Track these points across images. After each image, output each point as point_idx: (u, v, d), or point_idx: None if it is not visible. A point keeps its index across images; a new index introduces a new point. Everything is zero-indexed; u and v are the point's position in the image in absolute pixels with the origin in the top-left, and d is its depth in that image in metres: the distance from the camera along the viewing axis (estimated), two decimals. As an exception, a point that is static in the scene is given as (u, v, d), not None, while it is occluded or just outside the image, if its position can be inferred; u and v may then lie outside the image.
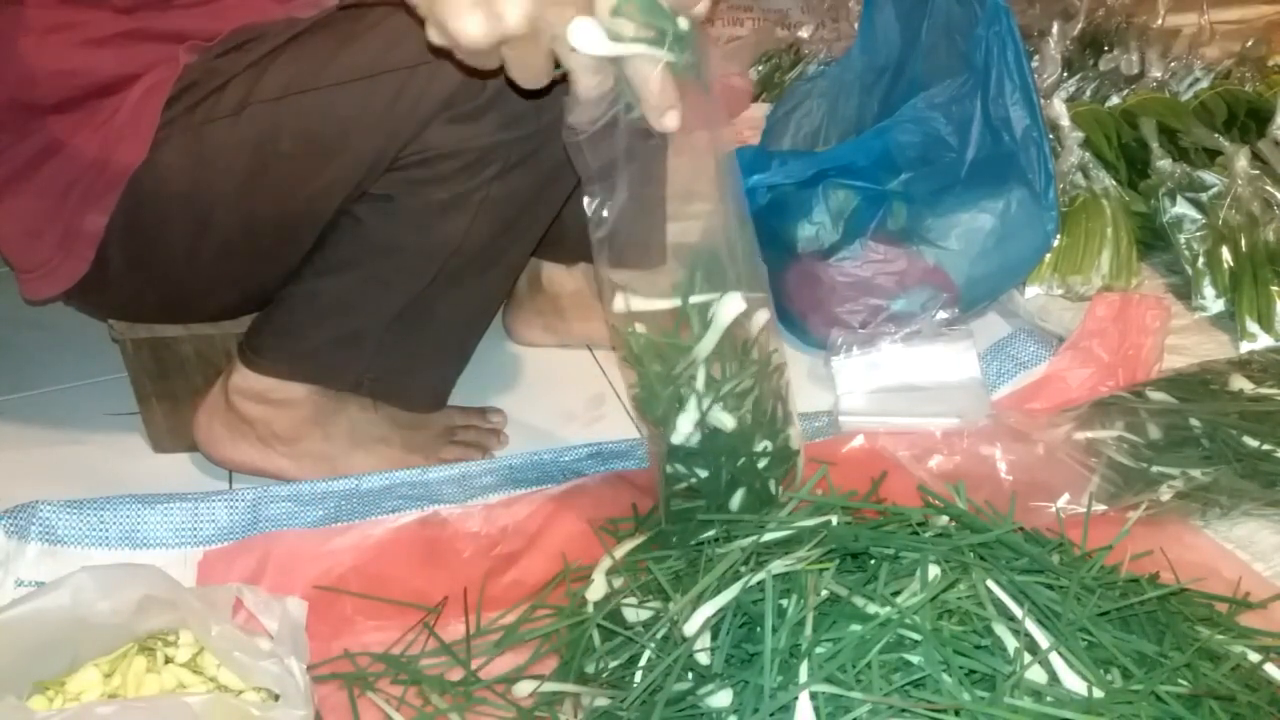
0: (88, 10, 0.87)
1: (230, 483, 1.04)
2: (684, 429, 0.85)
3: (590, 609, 0.83)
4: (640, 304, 0.84)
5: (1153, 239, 1.37)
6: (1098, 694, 0.64)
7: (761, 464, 0.88)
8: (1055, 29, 1.70)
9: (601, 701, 0.73)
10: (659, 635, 0.73)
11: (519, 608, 0.86)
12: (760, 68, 1.95)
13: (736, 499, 0.88)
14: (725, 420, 0.85)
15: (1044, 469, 0.98)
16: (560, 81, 0.72)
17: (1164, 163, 1.39)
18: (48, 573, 0.88)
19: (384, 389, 1.01)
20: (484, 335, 1.05)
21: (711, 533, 0.83)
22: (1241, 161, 1.32)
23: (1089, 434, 1.02)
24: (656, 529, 0.90)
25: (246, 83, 0.88)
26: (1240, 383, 1.09)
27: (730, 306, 0.83)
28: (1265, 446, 1.00)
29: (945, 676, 0.64)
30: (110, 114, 0.89)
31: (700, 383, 0.84)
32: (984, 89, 1.12)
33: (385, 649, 0.83)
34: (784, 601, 0.69)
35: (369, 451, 1.03)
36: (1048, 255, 1.24)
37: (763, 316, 0.87)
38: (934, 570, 0.70)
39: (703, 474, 0.87)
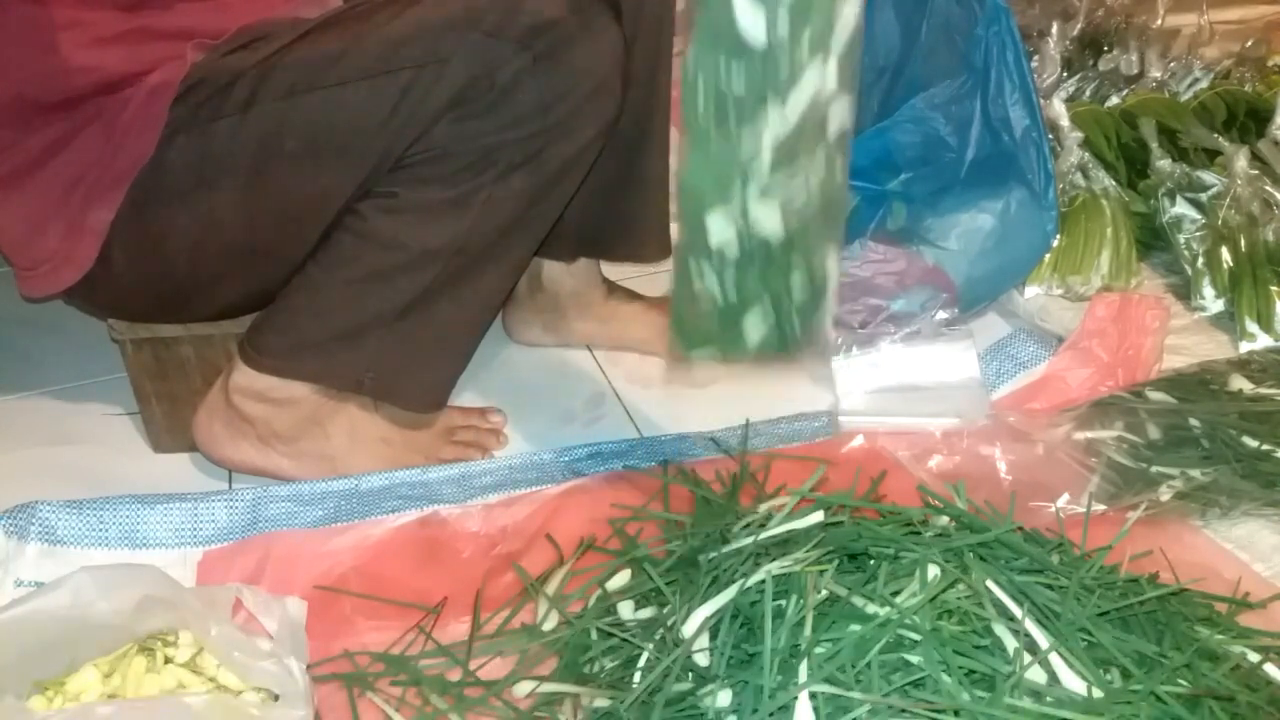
0: (94, 9, 0.88)
1: (230, 483, 1.04)
2: (725, 222, 0.76)
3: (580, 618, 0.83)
4: None
5: (1152, 239, 1.37)
6: (1097, 694, 0.64)
7: (795, 287, 0.81)
8: (1055, 29, 1.70)
9: (601, 702, 0.73)
10: (658, 636, 0.73)
11: (511, 604, 0.86)
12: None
13: (752, 326, 0.81)
14: (771, 220, 0.76)
15: (1044, 469, 0.99)
16: None
17: (1164, 163, 1.39)
18: (48, 573, 0.87)
19: (384, 388, 1.00)
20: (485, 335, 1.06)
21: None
22: (1241, 161, 1.32)
23: (1089, 434, 1.02)
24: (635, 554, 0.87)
25: (253, 81, 0.88)
26: (1240, 383, 1.09)
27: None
28: (1265, 446, 1.00)
29: (945, 676, 0.64)
30: (117, 111, 0.89)
31: (766, 163, 0.73)
32: (983, 89, 1.12)
33: (385, 649, 0.83)
34: (783, 602, 0.69)
35: (369, 451, 1.03)
36: (1047, 255, 1.24)
37: (846, 115, 0.76)
38: (933, 570, 0.70)
39: (730, 285, 0.79)
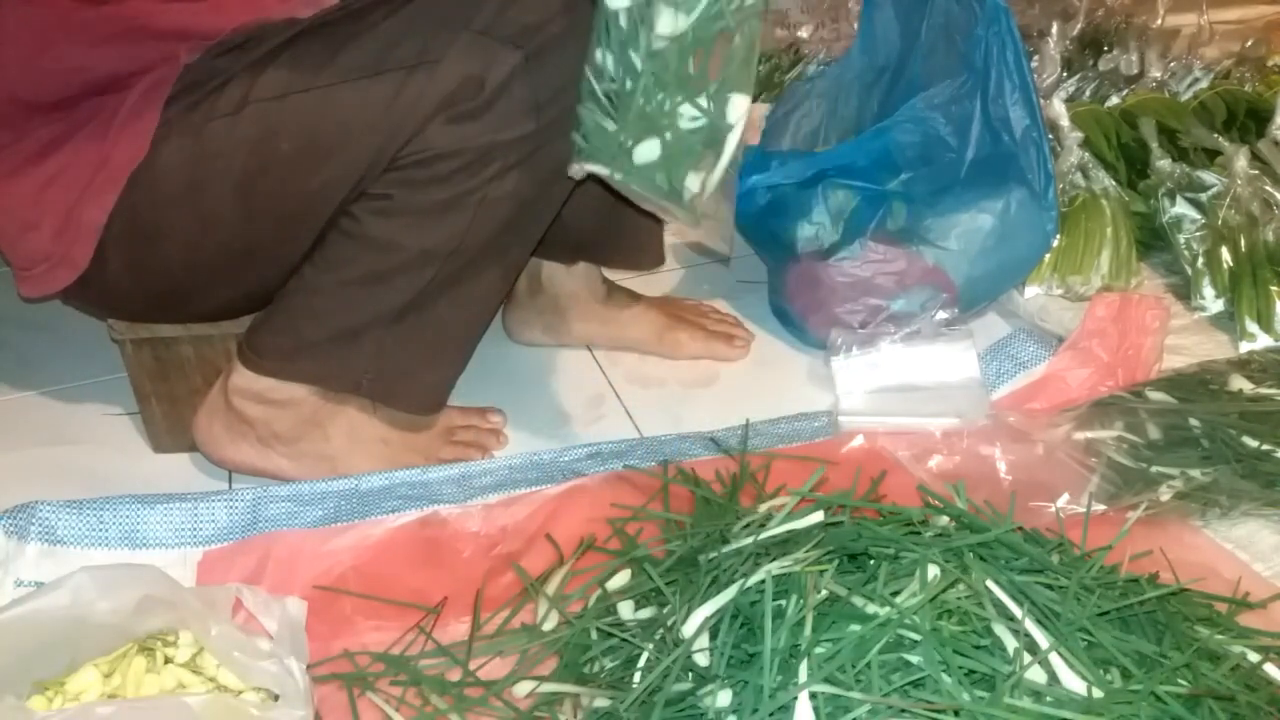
0: (88, 9, 0.87)
1: (230, 483, 1.04)
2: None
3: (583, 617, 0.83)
4: None
5: (1152, 239, 1.37)
6: (1097, 694, 0.64)
7: (686, 120, 0.79)
8: (1055, 29, 1.70)
9: (601, 702, 0.73)
10: (658, 636, 0.73)
11: (511, 604, 0.86)
12: (760, 68, 1.95)
13: (645, 151, 0.80)
14: (664, 18, 0.74)
15: (1044, 469, 0.99)
16: None
17: (1164, 163, 1.39)
18: (48, 573, 0.87)
19: (383, 389, 1.01)
20: (484, 335, 1.05)
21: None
22: (1241, 161, 1.32)
23: (1089, 434, 1.02)
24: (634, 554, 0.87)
25: (246, 82, 0.88)
26: (1240, 383, 1.09)
27: None
28: (1265, 446, 1.00)
29: (945, 676, 0.64)
30: (111, 112, 0.89)
31: None
32: (983, 89, 1.12)
33: (385, 649, 0.83)
34: (783, 602, 0.69)
35: (369, 452, 1.03)
36: (1047, 255, 1.24)
37: None
38: (933, 570, 0.70)
39: (623, 79, 0.77)
